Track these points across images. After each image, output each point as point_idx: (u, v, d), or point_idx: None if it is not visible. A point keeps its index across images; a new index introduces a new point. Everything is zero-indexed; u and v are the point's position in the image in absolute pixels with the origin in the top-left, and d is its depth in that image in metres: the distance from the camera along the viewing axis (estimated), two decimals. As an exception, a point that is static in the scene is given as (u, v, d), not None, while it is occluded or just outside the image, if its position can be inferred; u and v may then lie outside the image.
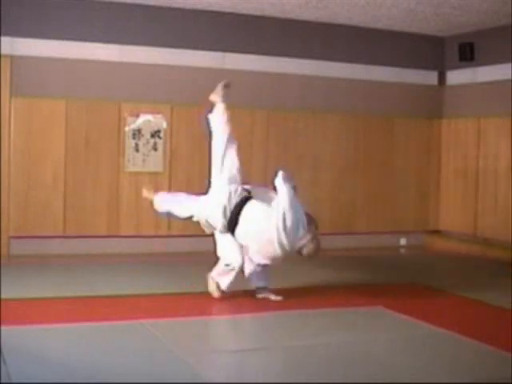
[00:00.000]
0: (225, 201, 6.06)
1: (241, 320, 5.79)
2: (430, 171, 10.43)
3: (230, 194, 6.08)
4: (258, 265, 6.11)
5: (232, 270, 6.17)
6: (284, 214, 5.72)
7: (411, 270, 8.37)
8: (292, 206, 5.77)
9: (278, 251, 5.84)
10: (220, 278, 6.24)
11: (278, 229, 5.73)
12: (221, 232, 6.18)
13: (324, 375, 4.29)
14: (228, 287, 6.23)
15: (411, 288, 7.18)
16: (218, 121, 6.42)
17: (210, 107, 6.53)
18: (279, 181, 5.93)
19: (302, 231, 5.81)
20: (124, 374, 4.20)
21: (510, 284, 7.10)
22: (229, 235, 6.13)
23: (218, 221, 6.10)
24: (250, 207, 6.02)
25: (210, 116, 6.51)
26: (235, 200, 6.06)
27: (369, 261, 8.90)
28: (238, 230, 6.02)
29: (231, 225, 6.04)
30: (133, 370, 4.29)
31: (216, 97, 6.53)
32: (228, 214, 6.04)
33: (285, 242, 5.76)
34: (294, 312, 5.94)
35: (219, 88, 6.53)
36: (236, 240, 6.10)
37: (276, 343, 5.08)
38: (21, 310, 5.68)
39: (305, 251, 5.89)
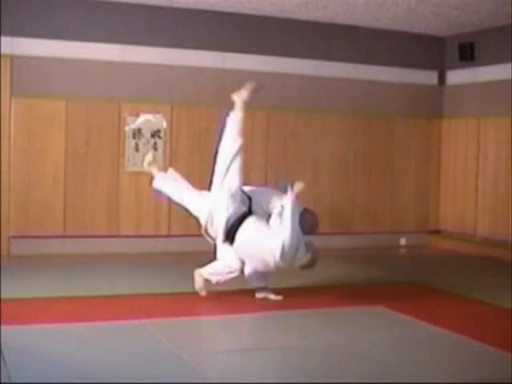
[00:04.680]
0: (223, 222, 5.93)
1: (240, 320, 5.79)
2: (429, 171, 10.42)
3: (228, 217, 5.90)
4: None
5: (231, 273, 6.21)
6: (283, 245, 5.70)
7: (411, 269, 8.36)
8: (294, 232, 5.72)
9: (273, 267, 5.94)
10: (214, 277, 6.24)
11: (274, 256, 5.77)
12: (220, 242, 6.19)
13: (324, 375, 4.29)
14: (219, 283, 6.26)
15: (411, 288, 7.18)
16: (233, 129, 6.08)
17: (227, 111, 6.17)
18: (288, 201, 5.83)
19: (300, 253, 5.82)
20: (124, 373, 4.20)
21: (510, 284, 7.10)
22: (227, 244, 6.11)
23: (219, 235, 6.02)
24: (248, 226, 5.91)
25: (229, 119, 6.11)
26: (233, 219, 5.91)
27: (369, 261, 8.89)
28: (236, 245, 5.99)
29: (229, 238, 5.99)
30: (133, 369, 4.29)
31: (239, 100, 6.05)
32: (228, 226, 5.94)
33: (281, 264, 5.84)
34: (294, 312, 5.93)
35: (246, 90, 6.03)
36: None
37: (276, 343, 5.07)
38: (21, 309, 5.68)
39: (301, 266, 5.97)
